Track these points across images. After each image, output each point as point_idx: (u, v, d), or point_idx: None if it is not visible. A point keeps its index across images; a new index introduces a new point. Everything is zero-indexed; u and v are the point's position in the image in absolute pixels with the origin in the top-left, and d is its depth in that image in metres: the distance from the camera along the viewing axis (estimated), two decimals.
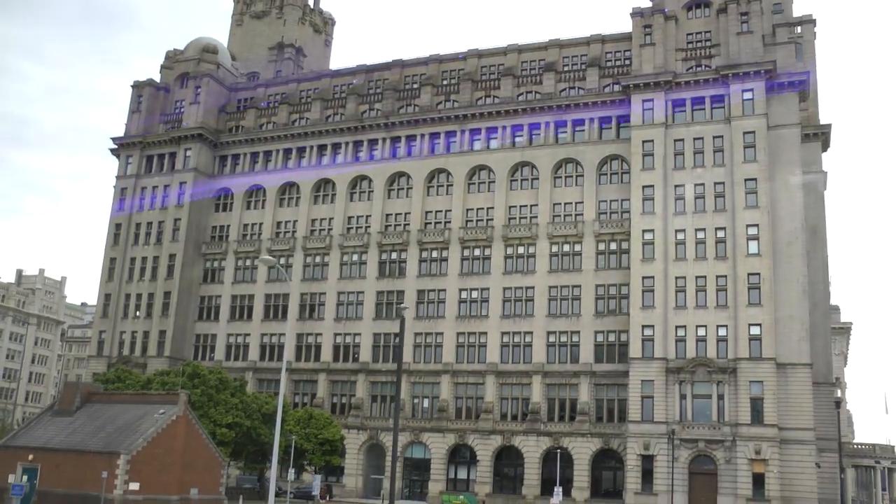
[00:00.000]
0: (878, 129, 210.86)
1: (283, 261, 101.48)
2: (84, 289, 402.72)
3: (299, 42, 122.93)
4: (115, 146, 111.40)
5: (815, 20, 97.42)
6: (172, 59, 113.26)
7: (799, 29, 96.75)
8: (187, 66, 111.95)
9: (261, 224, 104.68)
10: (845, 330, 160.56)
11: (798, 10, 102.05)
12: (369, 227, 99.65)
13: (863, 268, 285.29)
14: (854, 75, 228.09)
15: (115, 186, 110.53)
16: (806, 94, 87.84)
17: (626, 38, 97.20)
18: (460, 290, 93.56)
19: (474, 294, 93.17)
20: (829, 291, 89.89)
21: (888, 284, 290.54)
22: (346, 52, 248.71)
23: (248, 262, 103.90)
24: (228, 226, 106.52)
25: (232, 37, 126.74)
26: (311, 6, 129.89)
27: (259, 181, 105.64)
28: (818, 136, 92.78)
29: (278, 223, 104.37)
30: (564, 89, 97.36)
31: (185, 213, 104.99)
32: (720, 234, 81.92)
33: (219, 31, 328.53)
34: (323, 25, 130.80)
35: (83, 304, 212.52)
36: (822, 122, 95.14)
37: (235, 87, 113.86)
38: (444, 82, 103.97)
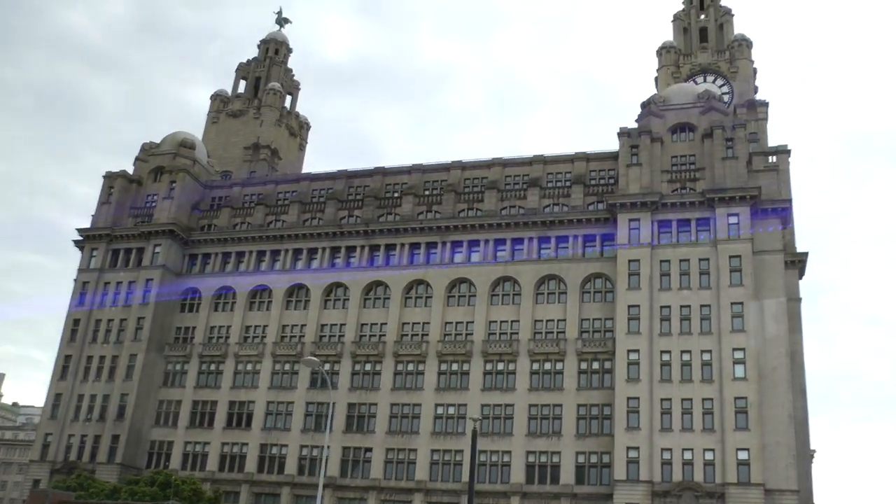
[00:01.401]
0: (846, 256, 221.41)
1: (249, 367, 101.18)
2: (16, 389, 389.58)
3: (275, 144, 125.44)
4: (80, 237, 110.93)
5: (789, 150, 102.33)
6: (148, 151, 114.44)
7: (774, 158, 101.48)
8: (163, 159, 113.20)
9: (229, 327, 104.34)
10: (810, 455, 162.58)
11: (772, 140, 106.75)
12: (343, 336, 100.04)
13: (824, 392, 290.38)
14: (827, 203, 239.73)
15: (76, 280, 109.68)
16: (787, 221, 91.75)
17: (610, 157, 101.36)
18: (436, 406, 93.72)
19: (451, 410, 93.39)
20: (808, 417, 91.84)
21: (845, 409, 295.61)
22: (319, 158, 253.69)
23: (213, 367, 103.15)
24: (194, 328, 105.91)
25: (206, 134, 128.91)
26: (288, 109, 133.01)
27: (230, 283, 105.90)
28: (795, 263, 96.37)
29: (247, 328, 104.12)
30: (548, 205, 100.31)
31: (150, 311, 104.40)
32: (706, 356, 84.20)
33: (187, 128, 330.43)
34: (298, 129, 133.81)
35: (14, 405, 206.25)
36: (799, 249, 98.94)
37: (210, 185, 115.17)
38: (427, 192, 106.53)
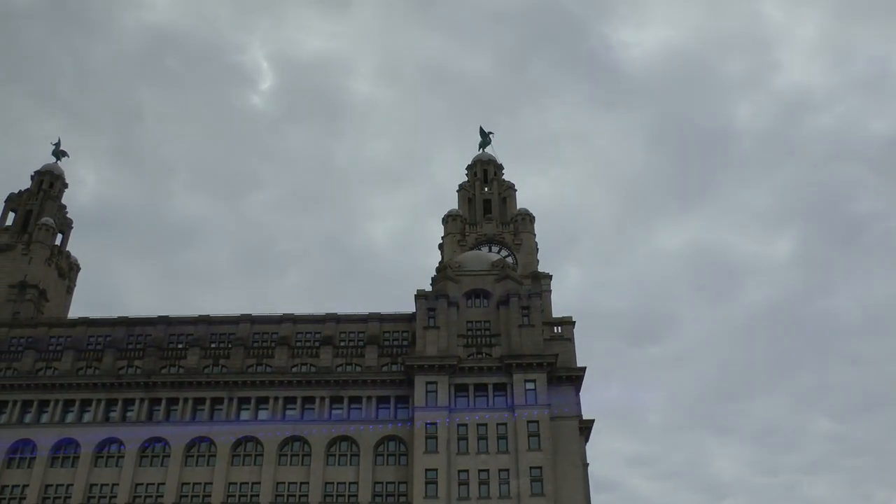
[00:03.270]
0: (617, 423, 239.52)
1: None
2: None
3: (43, 284, 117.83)
4: None
5: (574, 322, 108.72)
6: None
7: (559, 329, 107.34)
8: None
9: None
10: None
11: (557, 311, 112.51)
12: (116, 497, 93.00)
13: None
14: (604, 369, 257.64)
15: None
16: (579, 388, 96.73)
17: (404, 318, 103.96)
18: None
19: None
20: None
21: None
22: (86, 304, 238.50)
23: None
24: None
25: None
26: (59, 248, 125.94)
27: None
28: (583, 430, 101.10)
29: (3, 487, 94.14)
30: (341, 365, 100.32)
31: None
32: None
33: None
34: (68, 270, 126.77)
35: None
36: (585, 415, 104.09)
37: None
38: (213, 345, 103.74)
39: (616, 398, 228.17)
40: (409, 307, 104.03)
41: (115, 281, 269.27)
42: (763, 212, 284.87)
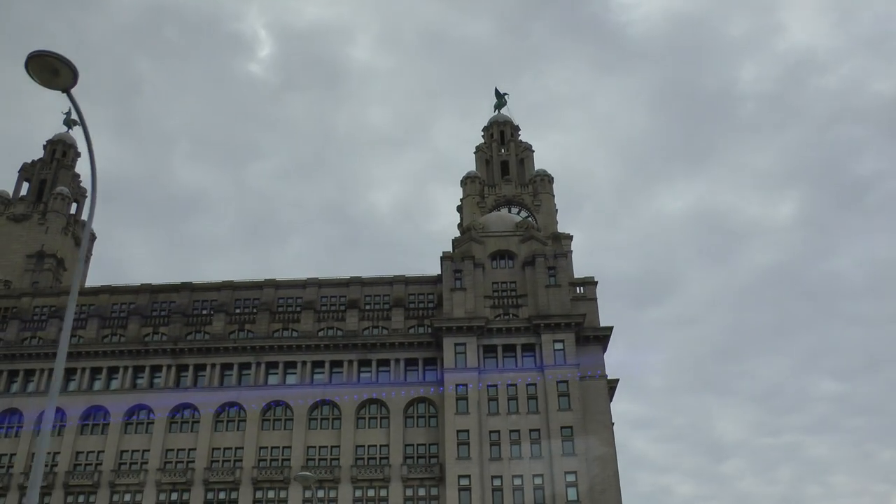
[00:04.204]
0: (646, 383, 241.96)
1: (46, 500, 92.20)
2: None
3: (61, 253, 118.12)
4: None
5: (596, 282, 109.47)
6: None
7: (581, 289, 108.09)
8: None
9: (12, 456, 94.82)
10: None
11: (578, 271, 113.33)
12: (147, 463, 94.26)
13: None
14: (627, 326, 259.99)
15: None
16: (605, 348, 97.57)
17: (429, 281, 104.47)
18: None
19: None
20: None
21: None
22: (97, 275, 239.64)
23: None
24: None
25: None
26: (75, 216, 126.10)
27: (17, 405, 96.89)
28: (610, 390, 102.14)
29: (34, 455, 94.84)
30: (367, 328, 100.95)
31: None
32: (538, 480, 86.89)
33: None
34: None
35: None
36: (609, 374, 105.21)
37: None
38: (238, 311, 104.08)
39: (620, 361, 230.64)
40: (416, 270, 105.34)
41: (121, 252, 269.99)
42: (766, 174, 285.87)
